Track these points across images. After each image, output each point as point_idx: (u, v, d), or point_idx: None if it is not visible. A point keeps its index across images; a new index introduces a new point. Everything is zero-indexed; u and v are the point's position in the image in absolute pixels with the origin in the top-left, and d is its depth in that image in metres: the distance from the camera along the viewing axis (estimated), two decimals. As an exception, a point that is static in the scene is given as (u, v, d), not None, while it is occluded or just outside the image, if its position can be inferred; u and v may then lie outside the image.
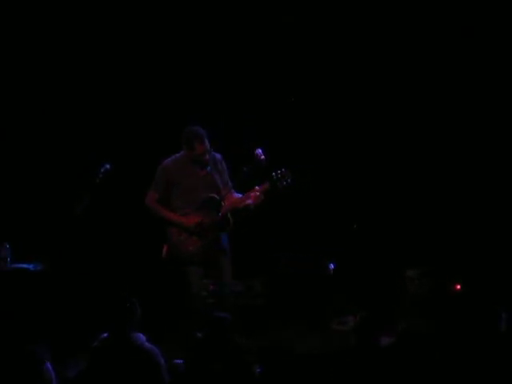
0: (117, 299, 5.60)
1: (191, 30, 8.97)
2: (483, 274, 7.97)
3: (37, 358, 5.13)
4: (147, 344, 5.50)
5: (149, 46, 8.97)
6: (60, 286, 7.74)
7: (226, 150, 7.36)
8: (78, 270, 7.82)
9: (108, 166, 7.25)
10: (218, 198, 7.07)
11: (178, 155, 7.20)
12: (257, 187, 7.03)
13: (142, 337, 5.52)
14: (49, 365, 5.16)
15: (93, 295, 7.53)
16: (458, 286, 7.79)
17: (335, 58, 8.90)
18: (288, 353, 5.44)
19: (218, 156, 7.22)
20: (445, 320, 7.54)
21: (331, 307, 8.39)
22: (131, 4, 8.96)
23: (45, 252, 7.95)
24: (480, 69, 8.60)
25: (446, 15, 8.61)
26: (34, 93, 8.97)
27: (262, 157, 7.11)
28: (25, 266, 7.67)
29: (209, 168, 7.12)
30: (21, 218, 8.69)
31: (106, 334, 5.57)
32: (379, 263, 8.68)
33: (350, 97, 8.94)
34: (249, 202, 7.05)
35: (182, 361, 6.41)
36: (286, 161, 7.44)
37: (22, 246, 7.79)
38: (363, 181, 8.88)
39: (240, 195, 7.14)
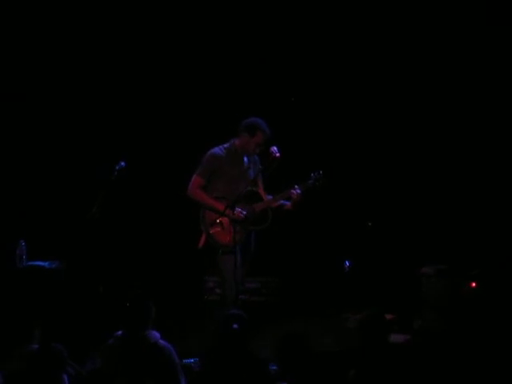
0: (132, 297, 5.60)
1: (195, 32, 8.99)
2: (499, 272, 7.92)
3: (57, 362, 5.14)
4: (162, 341, 5.50)
5: (156, 49, 9.03)
6: (76, 284, 7.77)
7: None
8: (93, 268, 7.83)
9: (123, 164, 7.25)
10: (260, 193, 7.10)
11: (226, 145, 7.21)
12: (296, 186, 7.03)
13: (156, 334, 5.52)
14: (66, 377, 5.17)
15: (108, 293, 7.53)
16: (474, 284, 7.74)
17: (335, 57, 8.88)
18: (304, 350, 5.44)
19: (255, 156, 7.24)
20: (460, 318, 7.51)
21: (347, 305, 8.37)
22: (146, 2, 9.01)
23: (61, 250, 7.98)
24: (480, 69, 8.57)
25: (446, 15, 8.58)
26: (51, 92, 9.01)
27: (277, 154, 7.09)
28: (41, 263, 7.71)
29: (251, 164, 7.18)
30: (37, 216, 8.72)
31: (120, 332, 5.57)
32: (395, 261, 8.66)
33: (355, 96, 8.91)
34: (281, 202, 7.09)
35: (193, 360, 6.42)
36: (293, 161, 7.46)
37: (38, 243, 7.82)
38: (378, 178, 8.85)
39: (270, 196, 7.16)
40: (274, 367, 5.76)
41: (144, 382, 5.38)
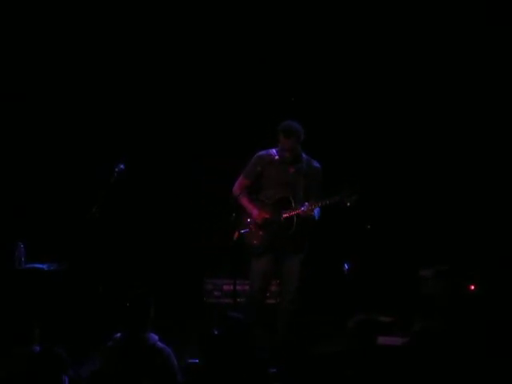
0: (131, 299, 5.60)
1: (195, 34, 9.01)
2: (499, 274, 7.93)
3: (58, 365, 5.16)
4: (160, 344, 5.51)
5: (156, 52, 9.05)
6: (75, 286, 7.77)
7: (239, 151, 7.35)
8: (92, 270, 7.84)
9: (122, 166, 7.25)
10: (291, 199, 7.04)
11: (275, 149, 7.18)
12: (306, 203, 6.95)
13: (154, 337, 5.53)
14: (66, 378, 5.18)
15: (107, 295, 7.53)
16: (472, 287, 7.74)
17: (335, 57, 8.88)
18: (302, 352, 5.45)
19: (317, 164, 7.19)
20: (459, 320, 7.51)
21: (346, 307, 8.36)
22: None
23: (60, 251, 7.98)
24: (480, 69, 8.57)
25: (446, 15, 8.59)
26: (51, 93, 9.02)
27: (276, 157, 7.09)
28: (39, 265, 7.71)
29: (304, 170, 7.08)
30: (35, 217, 8.73)
31: (119, 334, 5.58)
32: (393, 263, 8.65)
33: (354, 96, 8.91)
34: (309, 211, 6.98)
35: (197, 360, 6.39)
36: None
37: (37, 245, 7.82)
38: (377, 180, 8.83)
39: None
40: (273, 370, 5.77)
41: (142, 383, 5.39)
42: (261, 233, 7.09)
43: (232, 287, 7.39)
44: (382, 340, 7.16)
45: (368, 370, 5.84)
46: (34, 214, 8.77)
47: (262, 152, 7.22)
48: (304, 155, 7.17)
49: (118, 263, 8.57)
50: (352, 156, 8.88)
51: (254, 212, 7.09)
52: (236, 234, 7.10)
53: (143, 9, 8.98)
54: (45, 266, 7.69)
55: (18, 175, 8.84)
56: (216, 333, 5.32)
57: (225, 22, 8.96)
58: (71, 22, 8.95)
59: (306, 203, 6.98)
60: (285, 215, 7.04)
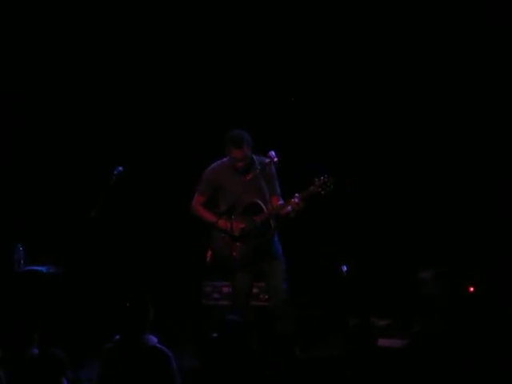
0: (130, 301, 5.60)
1: (194, 36, 9.01)
2: (498, 275, 7.93)
3: (57, 367, 5.17)
4: (159, 346, 5.51)
5: (155, 53, 9.06)
6: (73, 288, 7.78)
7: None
8: (91, 272, 7.84)
9: (121, 169, 7.26)
10: (260, 203, 6.97)
11: (225, 159, 7.12)
12: (296, 194, 6.87)
13: (153, 338, 5.53)
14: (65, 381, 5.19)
15: (106, 297, 7.54)
16: (472, 289, 7.75)
17: (335, 57, 8.88)
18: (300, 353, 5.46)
19: (267, 160, 7.04)
20: (459, 321, 7.51)
21: (345, 309, 8.37)
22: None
23: (59, 254, 7.99)
24: (480, 69, 8.57)
25: (446, 15, 8.58)
26: (49, 96, 9.04)
27: (276, 159, 7.05)
28: (38, 268, 7.72)
29: (257, 171, 6.97)
30: (35, 220, 8.73)
31: (118, 336, 5.58)
32: (392, 264, 8.65)
33: (355, 96, 8.90)
34: (289, 208, 6.89)
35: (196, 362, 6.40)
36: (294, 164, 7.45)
37: (37, 248, 7.83)
38: (376, 181, 8.84)
39: (282, 202, 6.98)
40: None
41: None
42: (238, 244, 6.95)
43: (231, 289, 7.37)
44: (381, 342, 7.18)
45: (368, 372, 5.84)
46: (33, 216, 8.77)
47: (214, 165, 7.14)
48: (254, 156, 7.05)
49: (117, 265, 8.57)
50: (352, 156, 8.88)
51: (228, 225, 6.94)
52: (209, 255, 7.05)
53: (143, 11, 8.98)
54: (44, 269, 7.71)
55: (17, 177, 8.85)
56: (214, 335, 5.33)
57: (228, 26, 8.96)
58: (71, 22, 8.96)
59: (297, 195, 6.85)
60: (258, 218, 6.95)
